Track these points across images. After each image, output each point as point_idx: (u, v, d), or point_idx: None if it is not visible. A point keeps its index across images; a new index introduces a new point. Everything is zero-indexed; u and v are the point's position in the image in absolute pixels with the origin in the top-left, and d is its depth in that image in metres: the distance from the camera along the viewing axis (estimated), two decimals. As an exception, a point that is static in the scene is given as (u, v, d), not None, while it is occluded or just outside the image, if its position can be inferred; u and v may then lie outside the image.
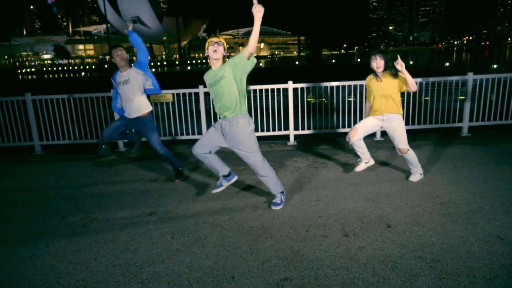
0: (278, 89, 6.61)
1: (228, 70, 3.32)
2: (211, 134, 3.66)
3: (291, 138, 6.60)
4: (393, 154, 5.47)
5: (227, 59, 3.43)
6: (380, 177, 4.55)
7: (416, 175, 4.38)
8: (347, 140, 4.38)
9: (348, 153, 5.67)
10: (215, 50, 3.35)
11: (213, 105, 3.81)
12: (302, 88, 6.65)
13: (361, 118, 6.32)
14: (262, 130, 6.70)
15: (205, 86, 6.41)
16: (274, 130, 6.71)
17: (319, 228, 3.28)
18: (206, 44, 3.42)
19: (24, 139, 6.82)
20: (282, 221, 3.46)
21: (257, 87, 6.48)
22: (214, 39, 3.39)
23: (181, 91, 6.53)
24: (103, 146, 6.47)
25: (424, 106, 6.74)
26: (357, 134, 4.29)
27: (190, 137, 6.71)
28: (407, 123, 6.63)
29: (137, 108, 4.46)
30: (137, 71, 4.39)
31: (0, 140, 6.79)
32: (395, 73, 4.06)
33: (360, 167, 4.55)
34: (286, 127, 6.66)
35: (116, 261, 2.90)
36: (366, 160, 4.55)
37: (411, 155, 4.27)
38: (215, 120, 6.67)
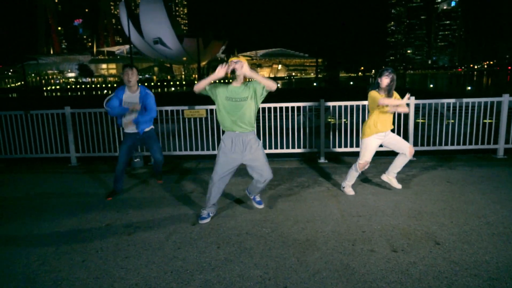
0: (304, 107, 6.68)
1: (251, 92, 3.60)
2: (225, 161, 3.72)
3: (322, 156, 6.61)
4: (428, 173, 5.41)
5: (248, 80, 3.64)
6: (418, 195, 4.50)
7: (394, 180, 4.70)
8: (358, 172, 4.58)
9: (381, 170, 5.63)
10: (235, 69, 3.52)
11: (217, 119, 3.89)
12: (324, 108, 6.70)
13: None
14: (293, 147, 6.74)
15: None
16: (304, 147, 6.75)
17: (365, 243, 3.26)
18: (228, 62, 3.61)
19: (60, 151, 7.05)
20: (326, 235, 3.45)
21: (289, 104, 6.57)
22: (234, 59, 3.55)
23: (214, 107, 6.67)
24: (136, 160, 6.65)
25: (457, 128, 6.67)
26: (367, 165, 4.55)
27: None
28: (439, 144, 6.58)
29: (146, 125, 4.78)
30: (144, 98, 4.61)
31: (38, 150, 7.04)
32: (391, 95, 4.30)
33: (349, 190, 4.68)
34: (316, 145, 6.69)
35: (167, 268, 2.94)
36: (349, 187, 4.70)
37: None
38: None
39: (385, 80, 4.22)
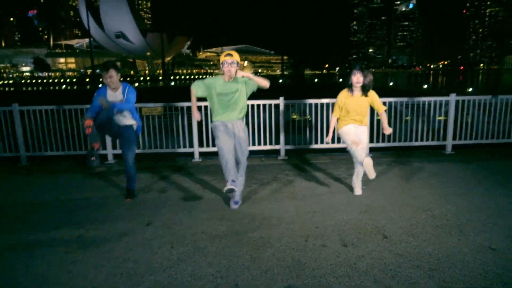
0: (264, 105, 6.71)
1: (242, 86, 3.89)
2: (224, 134, 3.92)
3: (282, 153, 6.69)
4: (384, 169, 5.63)
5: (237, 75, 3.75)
6: (372, 191, 4.67)
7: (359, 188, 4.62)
8: (354, 148, 4.32)
9: (338, 167, 5.80)
10: (230, 71, 3.74)
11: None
12: (288, 105, 6.80)
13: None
14: (253, 144, 6.77)
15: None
16: (265, 144, 6.79)
17: (318, 238, 3.34)
18: (221, 60, 3.74)
19: (9, 150, 6.65)
20: (281, 232, 3.50)
21: (249, 102, 6.56)
22: (229, 59, 3.71)
23: (174, 104, 6.56)
24: (92, 158, 6.39)
25: (410, 125, 6.98)
26: (359, 142, 4.35)
27: (186, 150, 6.68)
28: (394, 140, 6.85)
29: (128, 121, 4.50)
30: (128, 95, 4.41)
31: (-17, 150, 6.59)
32: (366, 94, 4.33)
33: (357, 189, 4.62)
34: (276, 142, 6.75)
35: (117, 270, 2.86)
36: (355, 184, 4.64)
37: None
38: (207, 133, 6.69)
39: (353, 78, 4.25)
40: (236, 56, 3.78)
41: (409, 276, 2.70)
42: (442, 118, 7.08)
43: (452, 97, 6.69)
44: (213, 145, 6.67)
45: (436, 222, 3.67)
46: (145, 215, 4.00)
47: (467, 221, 3.68)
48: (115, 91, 4.37)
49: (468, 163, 5.90)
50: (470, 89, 38.13)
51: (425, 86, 47.61)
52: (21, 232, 3.60)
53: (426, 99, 6.84)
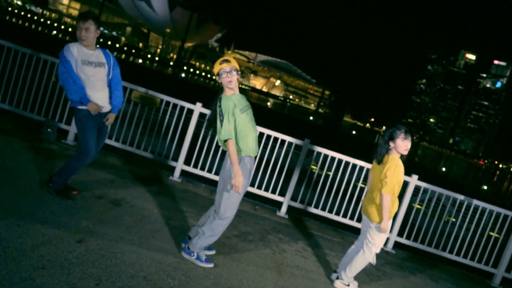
0: (283, 141, 6.56)
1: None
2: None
3: (283, 208, 6.46)
4: (403, 275, 5.36)
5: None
6: (382, 301, 4.39)
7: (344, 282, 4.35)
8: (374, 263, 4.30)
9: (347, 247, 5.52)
10: (230, 81, 3.62)
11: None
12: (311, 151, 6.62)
13: None
14: (252, 186, 6.55)
15: (203, 106, 6.35)
16: (266, 189, 6.56)
17: None
18: (216, 69, 3.62)
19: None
20: (247, 316, 3.23)
21: (265, 131, 6.39)
22: (226, 67, 3.59)
23: (174, 100, 6.45)
24: (49, 130, 6.29)
25: (455, 230, 6.72)
26: None
27: (167, 161, 6.51)
28: (428, 243, 6.57)
29: (108, 102, 4.40)
30: (111, 58, 4.43)
31: None
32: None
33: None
34: (281, 192, 6.52)
35: (13, 290, 2.62)
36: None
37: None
38: (201, 150, 6.53)
39: (404, 144, 3.94)
40: (234, 62, 3.63)
41: None
42: (497, 235, 6.81)
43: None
44: (202, 168, 6.50)
45: None
46: (82, 226, 3.78)
47: None
48: (90, 49, 4.21)
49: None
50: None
51: (485, 187, 47.33)
52: None
53: (488, 206, 6.55)
